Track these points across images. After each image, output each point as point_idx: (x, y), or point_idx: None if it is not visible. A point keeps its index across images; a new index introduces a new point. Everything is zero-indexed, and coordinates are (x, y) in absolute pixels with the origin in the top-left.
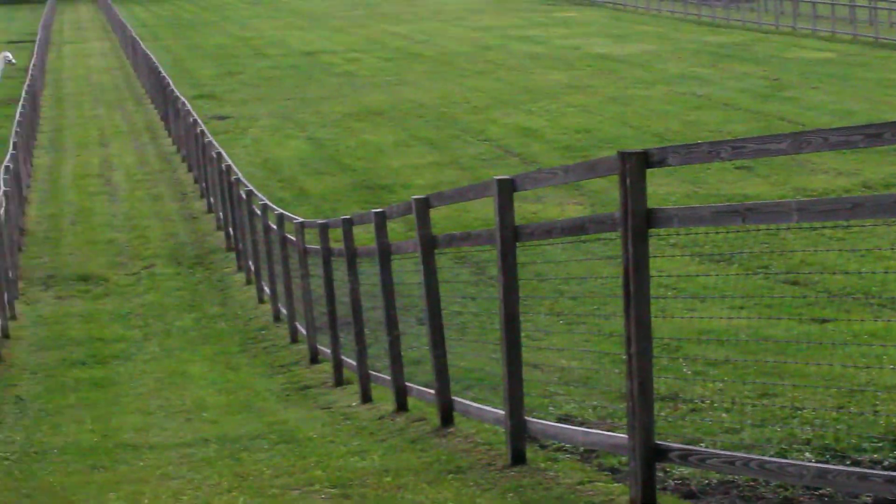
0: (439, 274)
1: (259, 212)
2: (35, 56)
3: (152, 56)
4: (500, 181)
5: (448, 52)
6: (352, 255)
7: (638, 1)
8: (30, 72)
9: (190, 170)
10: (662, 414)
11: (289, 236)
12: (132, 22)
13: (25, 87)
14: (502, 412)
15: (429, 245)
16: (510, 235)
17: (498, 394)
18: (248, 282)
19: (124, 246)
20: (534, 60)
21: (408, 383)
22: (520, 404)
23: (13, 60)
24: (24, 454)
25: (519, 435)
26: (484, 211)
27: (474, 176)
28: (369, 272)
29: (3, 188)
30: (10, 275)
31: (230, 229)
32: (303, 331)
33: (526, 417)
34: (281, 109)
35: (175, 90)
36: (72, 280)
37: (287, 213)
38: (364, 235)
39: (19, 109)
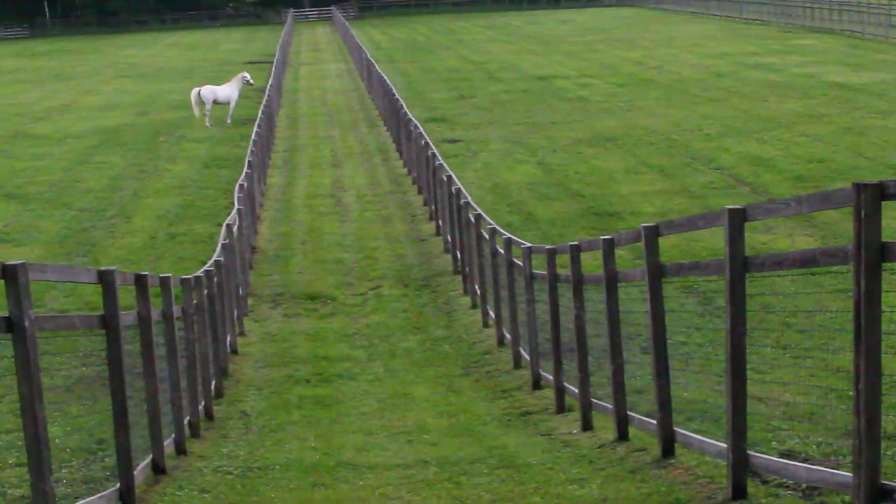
0: (665, 303)
1: (487, 236)
2: (272, 76)
3: (387, 78)
4: (731, 211)
5: (681, 79)
6: (578, 282)
7: (877, 29)
8: (266, 92)
9: (420, 192)
10: (889, 453)
11: (516, 261)
12: (368, 44)
13: (262, 107)
14: (724, 445)
15: (657, 273)
16: (740, 266)
17: (720, 426)
18: (474, 305)
19: (352, 266)
20: (768, 88)
21: (629, 412)
22: (742, 437)
23: (251, 81)
24: (247, 469)
25: (741, 469)
26: (713, 240)
27: (704, 204)
28: (595, 299)
29: (237, 206)
30: (241, 292)
31: (458, 252)
32: (526, 356)
33: (748, 451)
34: (512, 134)
35: (408, 113)
36: (300, 298)
37: (515, 237)
38: (591, 262)
39: (255, 129)
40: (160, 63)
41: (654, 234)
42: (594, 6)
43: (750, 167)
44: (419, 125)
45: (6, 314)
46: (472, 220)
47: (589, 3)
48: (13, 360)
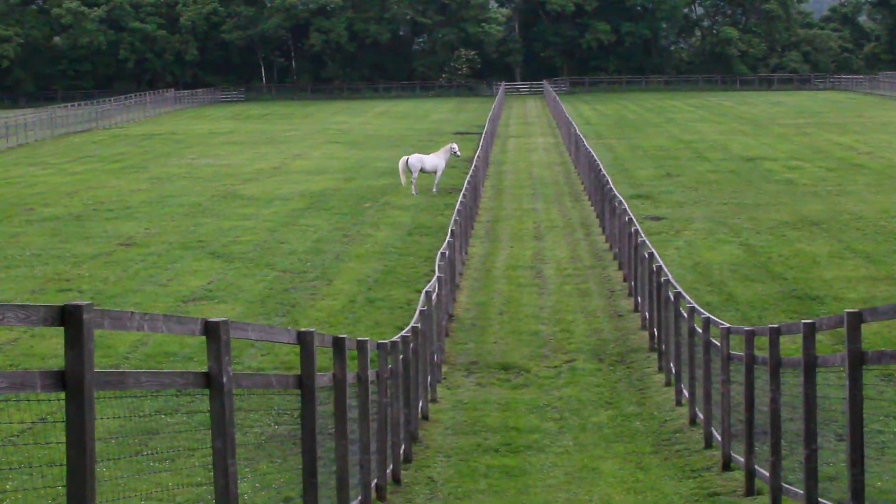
0: (864, 390)
1: (685, 314)
2: (480, 148)
3: (594, 154)
4: None
5: (893, 165)
6: (776, 365)
7: None
8: (473, 163)
9: (620, 268)
10: None
11: (713, 341)
12: (577, 119)
13: (468, 177)
14: None
15: (858, 360)
16: None
17: None
18: (668, 383)
19: (548, 338)
20: None
21: (821, 499)
22: None
23: (458, 152)
24: None
25: None
26: None
27: None
28: (791, 382)
29: (437, 274)
30: (436, 359)
31: (655, 330)
32: (718, 436)
33: None
34: (716, 213)
35: (613, 188)
36: (493, 368)
37: (713, 317)
38: (790, 345)
39: (460, 199)
40: (370, 130)
41: (856, 320)
42: (807, 89)
43: None
44: (623, 201)
45: (205, 370)
46: (672, 298)
47: (801, 85)
48: (209, 414)
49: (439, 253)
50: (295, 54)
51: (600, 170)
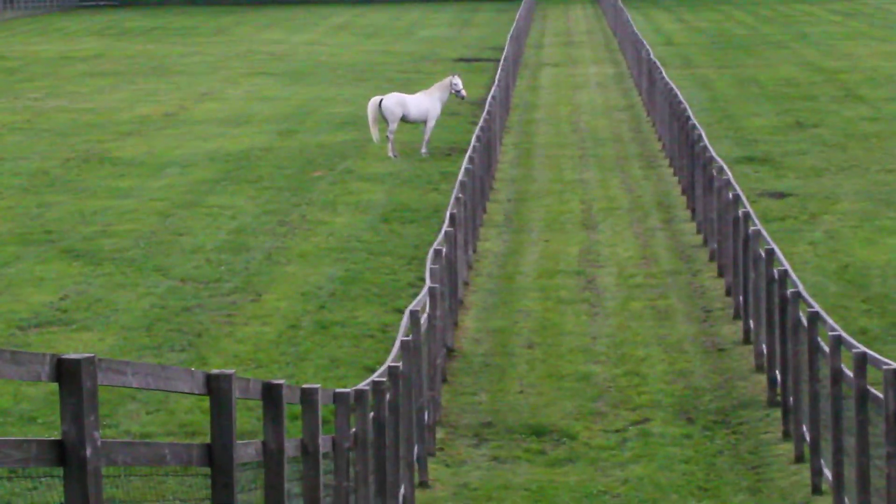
0: None
1: (827, 348)
2: (496, 84)
3: (678, 92)
4: None
5: None
6: None
7: None
8: (486, 108)
9: (721, 274)
10: None
11: (872, 390)
12: (652, 37)
13: (477, 130)
14: None
15: None
16: None
17: None
18: (799, 458)
19: (605, 385)
20: None
21: None
22: None
23: (462, 91)
24: None
25: None
26: None
27: None
28: None
29: (428, 284)
30: (426, 418)
31: (777, 373)
32: None
33: None
34: (877, 187)
35: (709, 147)
36: (518, 433)
37: (873, 353)
38: None
39: (465, 165)
40: (321, 55)
41: None
42: None
43: None
44: (726, 168)
45: (58, 437)
46: (805, 321)
47: None
48: None
49: (432, 250)
50: None
51: (689, 118)
